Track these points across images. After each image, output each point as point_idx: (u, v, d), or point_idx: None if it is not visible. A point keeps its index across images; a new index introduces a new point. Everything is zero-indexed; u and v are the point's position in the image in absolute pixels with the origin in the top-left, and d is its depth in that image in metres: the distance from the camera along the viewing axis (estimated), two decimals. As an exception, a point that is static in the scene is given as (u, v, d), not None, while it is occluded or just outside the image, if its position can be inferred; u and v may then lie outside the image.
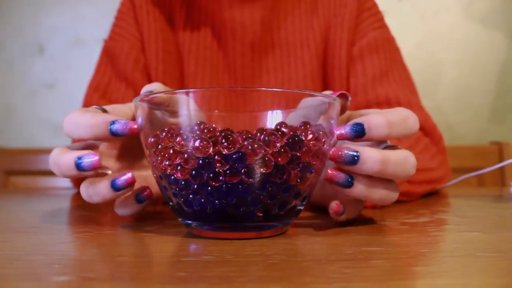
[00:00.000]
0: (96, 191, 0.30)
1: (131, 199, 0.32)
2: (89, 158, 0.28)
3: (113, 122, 0.29)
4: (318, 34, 0.63)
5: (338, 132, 0.29)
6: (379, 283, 0.19)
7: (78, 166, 0.29)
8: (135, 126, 0.29)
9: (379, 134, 0.28)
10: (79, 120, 0.30)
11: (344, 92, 0.31)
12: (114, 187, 0.30)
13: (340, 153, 0.28)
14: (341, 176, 0.28)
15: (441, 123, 0.60)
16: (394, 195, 0.30)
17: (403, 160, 0.28)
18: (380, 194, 0.29)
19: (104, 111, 0.33)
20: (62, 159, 0.29)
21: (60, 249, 0.25)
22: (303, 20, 0.64)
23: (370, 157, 0.27)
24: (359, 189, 0.29)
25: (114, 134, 0.29)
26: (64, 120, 0.31)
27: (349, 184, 0.28)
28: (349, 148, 0.28)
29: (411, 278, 0.20)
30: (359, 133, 0.28)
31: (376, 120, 0.28)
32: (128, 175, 0.30)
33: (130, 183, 0.30)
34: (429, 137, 0.56)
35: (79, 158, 0.29)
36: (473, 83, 1.09)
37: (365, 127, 0.28)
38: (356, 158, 0.27)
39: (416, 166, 0.29)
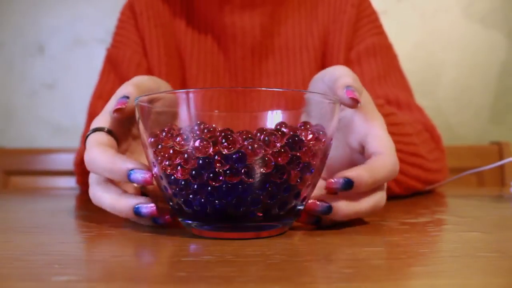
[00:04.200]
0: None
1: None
2: (148, 207, 0.29)
3: (130, 173, 0.29)
4: (317, 39, 0.64)
5: (327, 184, 0.29)
6: (379, 283, 0.19)
7: (137, 213, 0.29)
8: (149, 177, 0.29)
9: (363, 190, 0.30)
10: (99, 162, 0.30)
11: (356, 98, 0.31)
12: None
13: (314, 206, 0.29)
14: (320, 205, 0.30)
15: (441, 123, 0.60)
16: (381, 204, 0.32)
17: (374, 207, 0.31)
18: (366, 208, 0.31)
19: (111, 132, 0.33)
20: (119, 205, 0.30)
21: (60, 249, 0.25)
22: (302, 26, 0.65)
23: (343, 211, 0.29)
24: (341, 213, 0.30)
25: (131, 182, 0.30)
26: (85, 155, 0.32)
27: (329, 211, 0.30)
28: (324, 202, 0.29)
29: (411, 278, 0.20)
30: (346, 188, 0.29)
31: (365, 181, 0.29)
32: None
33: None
34: (429, 133, 0.57)
35: (137, 207, 0.29)
36: (473, 83, 1.09)
37: (354, 185, 0.29)
38: (329, 211, 0.29)
39: (384, 201, 0.32)
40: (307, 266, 0.21)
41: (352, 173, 0.29)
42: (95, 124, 0.34)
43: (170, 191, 0.28)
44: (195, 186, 0.26)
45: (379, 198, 0.31)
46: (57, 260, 0.22)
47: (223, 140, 0.25)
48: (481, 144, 1.00)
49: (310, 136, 0.27)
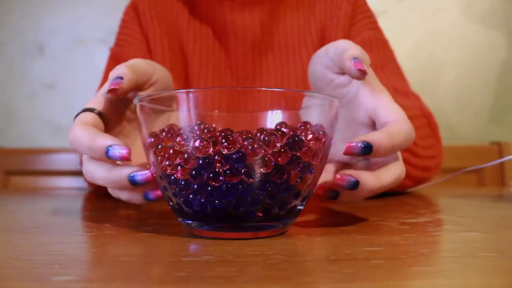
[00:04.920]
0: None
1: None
2: (143, 174, 0.29)
3: (108, 149, 0.30)
4: (315, 35, 0.66)
5: (346, 148, 0.29)
6: (379, 283, 0.19)
7: (132, 181, 0.29)
8: (126, 152, 0.29)
9: (382, 155, 0.29)
10: (80, 139, 0.31)
11: (363, 69, 0.31)
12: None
13: (341, 182, 0.29)
14: (331, 193, 0.30)
15: (441, 123, 0.60)
16: (401, 176, 0.31)
17: (396, 179, 0.31)
18: (389, 182, 0.30)
19: (101, 114, 0.33)
20: (113, 175, 0.30)
21: (60, 249, 0.25)
22: (301, 23, 0.66)
23: (368, 186, 0.29)
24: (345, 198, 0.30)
25: (110, 159, 0.30)
26: (69, 135, 0.32)
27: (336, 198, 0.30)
28: (351, 176, 0.29)
29: (411, 278, 0.20)
30: (365, 153, 0.28)
31: (385, 146, 0.29)
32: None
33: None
34: (427, 119, 0.58)
35: (132, 175, 0.29)
36: (473, 83, 1.09)
37: (373, 150, 0.28)
38: (356, 185, 0.28)
39: (404, 174, 0.32)
40: (307, 266, 0.21)
41: (371, 137, 0.29)
42: (87, 105, 0.34)
43: (170, 191, 0.28)
44: (195, 186, 0.26)
45: (400, 170, 0.31)
46: (57, 260, 0.22)
47: (223, 140, 0.25)
48: (481, 144, 1.00)
49: (310, 136, 0.27)
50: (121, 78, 0.32)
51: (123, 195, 0.32)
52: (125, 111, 0.36)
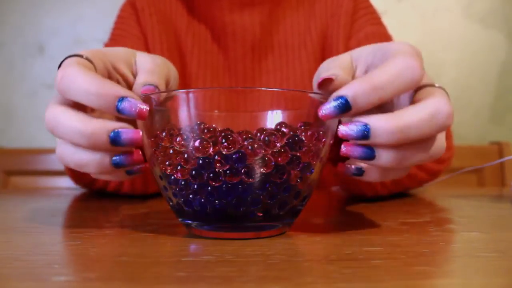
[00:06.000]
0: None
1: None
2: (130, 131, 0.24)
3: (121, 99, 0.24)
4: (315, 36, 0.65)
5: (319, 113, 0.25)
6: (379, 283, 0.19)
7: (114, 139, 0.24)
8: (145, 109, 0.25)
9: (368, 104, 0.23)
10: (80, 82, 0.24)
11: (329, 77, 0.28)
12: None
13: (345, 130, 0.23)
14: (357, 150, 0.24)
15: (441, 123, 0.61)
16: (439, 150, 0.25)
17: (430, 117, 0.23)
18: (418, 156, 0.24)
19: (91, 61, 0.28)
20: (90, 127, 0.24)
21: (60, 249, 0.25)
22: (301, 23, 0.66)
23: (382, 128, 0.23)
24: (385, 158, 0.24)
25: (120, 112, 0.24)
26: (58, 75, 0.25)
27: (371, 156, 0.24)
28: (357, 121, 0.23)
29: (411, 278, 0.20)
30: (343, 109, 0.23)
31: (362, 91, 0.23)
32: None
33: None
34: None
35: (116, 132, 0.24)
36: (473, 83, 1.09)
37: (351, 102, 0.23)
38: (366, 132, 0.23)
39: (452, 115, 0.23)
40: (307, 266, 0.21)
41: (344, 90, 0.23)
42: (74, 53, 0.28)
43: (170, 191, 0.28)
44: (195, 186, 0.26)
45: (434, 105, 0.23)
46: (57, 260, 0.22)
47: (223, 140, 0.25)
48: (481, 144, 1.00)
49: (310, 136, 0.27)
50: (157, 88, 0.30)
51: (91, 159, 0.25)
52: (114, 77, 0.32)
